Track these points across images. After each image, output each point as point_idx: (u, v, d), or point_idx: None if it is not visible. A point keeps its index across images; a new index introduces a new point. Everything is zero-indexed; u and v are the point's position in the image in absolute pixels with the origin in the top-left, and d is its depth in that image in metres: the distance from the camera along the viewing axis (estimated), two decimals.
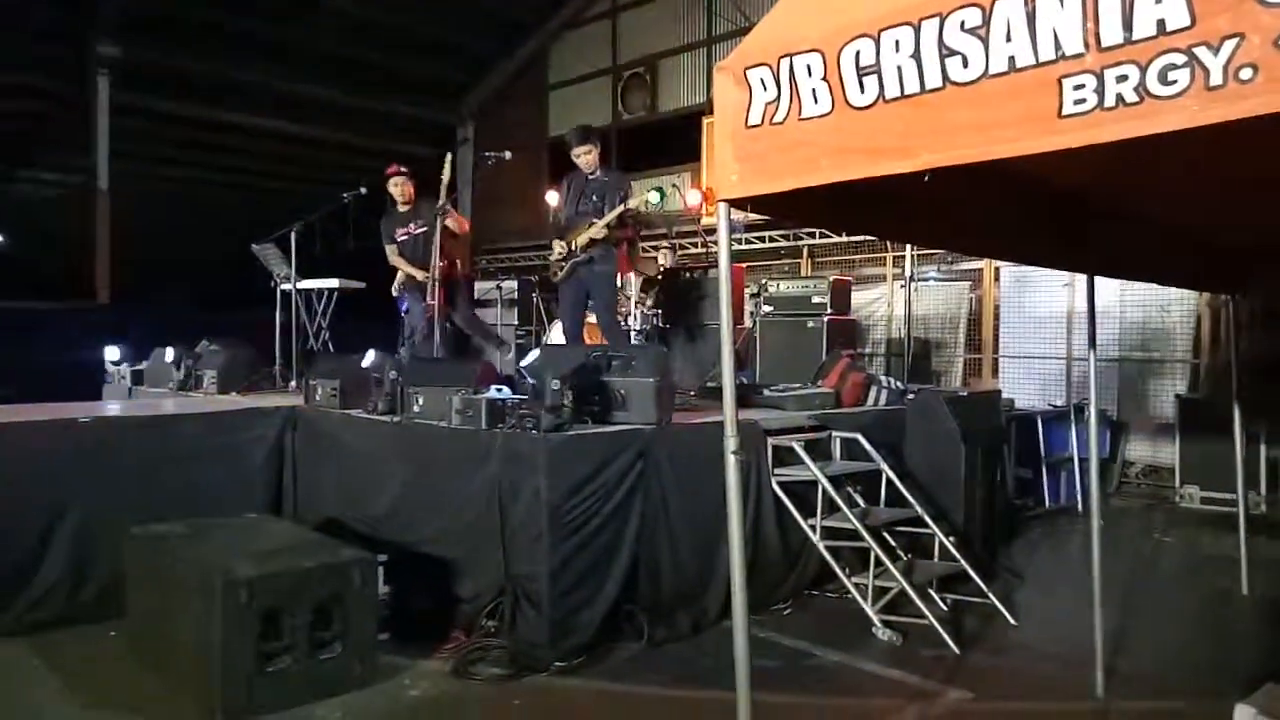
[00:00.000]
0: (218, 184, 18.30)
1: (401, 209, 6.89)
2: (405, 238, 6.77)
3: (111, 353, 7.88)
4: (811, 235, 11.29)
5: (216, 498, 4.70)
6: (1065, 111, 1.66)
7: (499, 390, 4.45)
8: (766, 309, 8.42)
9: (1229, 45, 1.47)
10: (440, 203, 6.27)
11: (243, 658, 3.34)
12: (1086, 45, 1.62)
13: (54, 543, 4.31)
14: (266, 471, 5.12)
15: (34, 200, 18.02)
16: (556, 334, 8.53)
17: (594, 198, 6.17)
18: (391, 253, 6.92)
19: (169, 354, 7.13)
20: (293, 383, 7.02)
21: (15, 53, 12.67)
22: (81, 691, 3.57)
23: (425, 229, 6.60)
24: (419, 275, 6.62)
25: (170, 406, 5.84)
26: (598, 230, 6.09)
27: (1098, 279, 3.75)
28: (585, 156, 6.22)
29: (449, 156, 6.46)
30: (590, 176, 6.26)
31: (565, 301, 6.59)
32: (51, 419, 4.71)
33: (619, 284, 6.79)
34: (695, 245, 11.50)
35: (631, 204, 6.07)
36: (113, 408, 6.27)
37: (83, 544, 4.36)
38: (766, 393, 5.91)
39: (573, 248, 6.22)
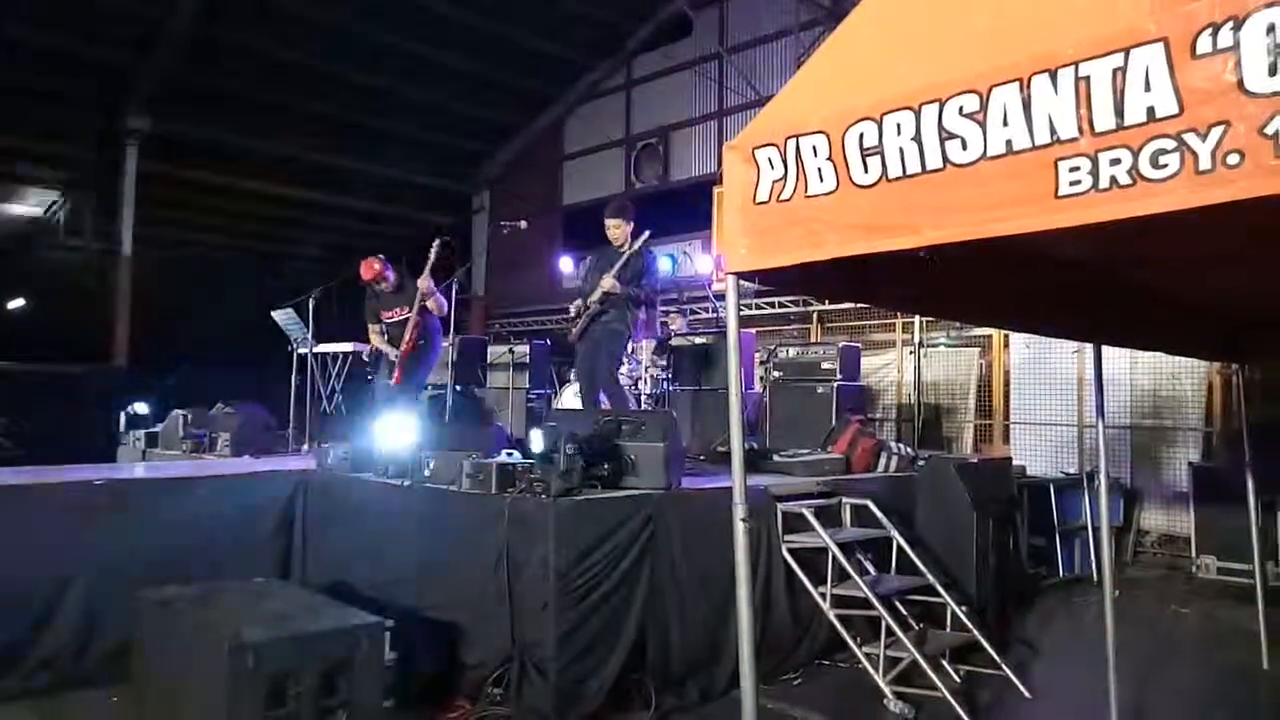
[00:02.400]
0: (238, 249, 18.64)
1: (389, 293, 6.85)
2: (392, 320, 6.79)
3: (138, 411, 7.99)
4: (821, 301, 11.38)
5: (226, 560, 4.70)
6: (1061, 192, 1.72)
7: (509, 454, 4.48)
8: (776, 374, 8.46)
9: (1216, 132, 1.54)
10: (423, 284, 6.53)
11: None
12: (1080, 130, 1.69)
13: (63, 604, 4.31)
14: (277, 535, 5.12)
15: (58, 265, 18.35)
16: (568, 398, 8.58)
17: (612, 263, 6.28)
18: (375, 332, 6.90)
19: (184, 417, 7.21)
20: (305, 446, 7.07)
21: (48, 123, 13.09)
22: None
23: (408, 315, 6.64)
24: (392, 355, 6.70)
25: (183, 469, 5.88)
26: (608, 282, 6.16)
27: (1106, 347, 3.79)
28: (615, 230, 6.36)
29: (435, 242, 6.63)
30: (618, 249, 6.39)
31: (581, 362, 6.64)
32: (66, 480, 4.75)
33: (629, 348, 6.82)
34: (705, 311, 11.60)
35: (635, 265, 6.14)
36: (126, 470, 6.31)
37: (92, 606, 4.36)
38: (776, 458, 5.91)
39: (587, 305, 6.33)
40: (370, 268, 6.76)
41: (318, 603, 4.09)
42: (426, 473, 4.71)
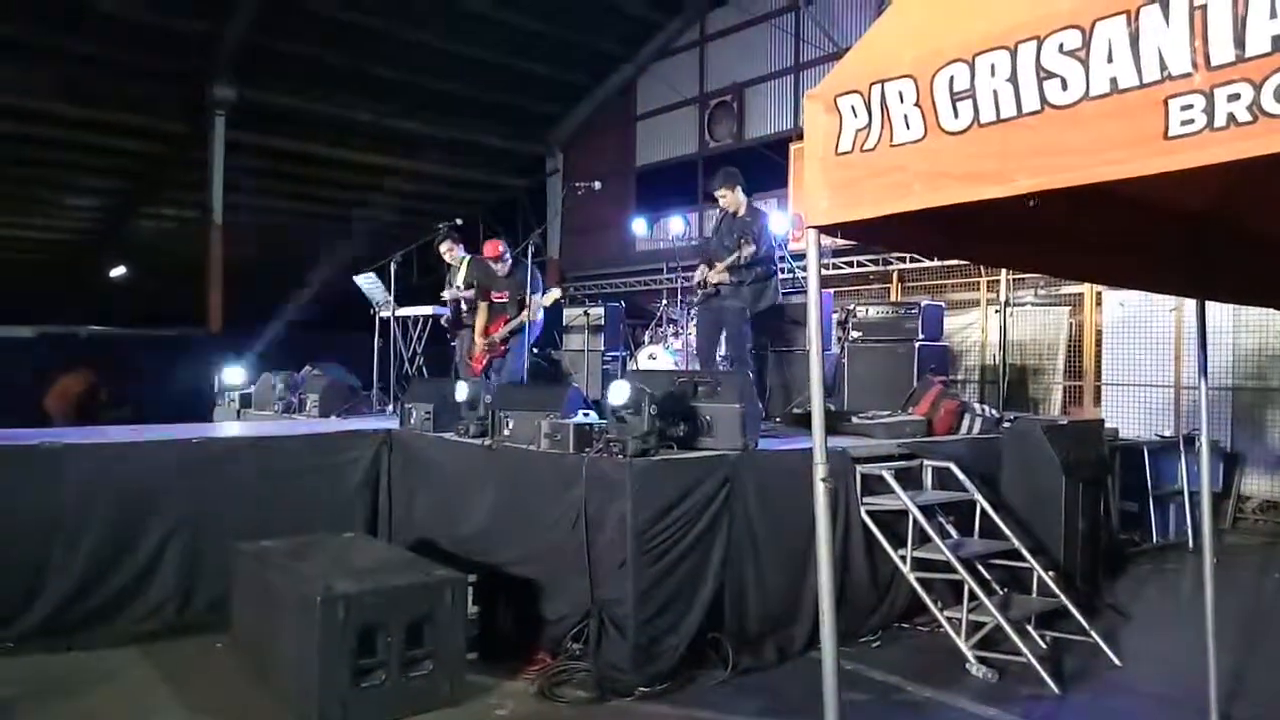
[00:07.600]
0: (319, 216, 19.10)
1: (502, 275, 7.23)
2: (501, 301, 7.25)
3: (233, 374, 8.30)
4: (901, 260, 11.09)
5: (316, 516, 4.89)
6: (1172, 133, 1.60)
7: (586, 415, 4.50)
8: (855, 334, 8.29)
9: None
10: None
11: (339, 672, 3.45)
12: (1194, 65, 1.56)
13: (166, 556, 4.56)
14: (363, 492, 5.30)
15: (154, 233, 19.15)
16: (643, 360, 8.60)
17: (734, 234, 6.39)
18: (483, 310, 7.35)
19: (275, 378, 7.47)
20: (389, 406, 7.26)
21: (140, 96, 13.56)
22: (188, 699, 3.73)
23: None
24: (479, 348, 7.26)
25: (275, 428, 6.10)
26: (715, 275, 6.39)
27: (1209, 305, 3.59)
28: (724, 201, 6.56)
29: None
30: (734, 215, 6.53)
31: (700, 326, 7.00)
32: (166, 439, 4.99)
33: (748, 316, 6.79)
34: (781, 271, 11.42)
35: (747, 252, 6.18)
36: (223, 429, 6.59)
37: (193, 558, 4.60)
38: (855, 420, 5.81)
39: (705, 280, 6.52)
40: (495, 248, 7.16)
41: (404, 557, 4.23)
42: (506, 432, 4.78)
